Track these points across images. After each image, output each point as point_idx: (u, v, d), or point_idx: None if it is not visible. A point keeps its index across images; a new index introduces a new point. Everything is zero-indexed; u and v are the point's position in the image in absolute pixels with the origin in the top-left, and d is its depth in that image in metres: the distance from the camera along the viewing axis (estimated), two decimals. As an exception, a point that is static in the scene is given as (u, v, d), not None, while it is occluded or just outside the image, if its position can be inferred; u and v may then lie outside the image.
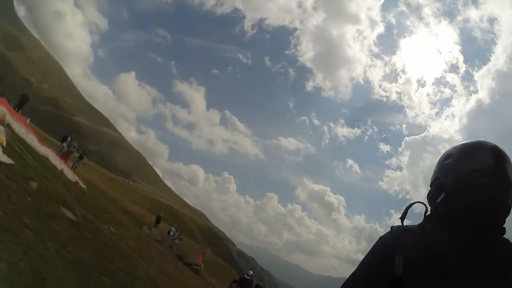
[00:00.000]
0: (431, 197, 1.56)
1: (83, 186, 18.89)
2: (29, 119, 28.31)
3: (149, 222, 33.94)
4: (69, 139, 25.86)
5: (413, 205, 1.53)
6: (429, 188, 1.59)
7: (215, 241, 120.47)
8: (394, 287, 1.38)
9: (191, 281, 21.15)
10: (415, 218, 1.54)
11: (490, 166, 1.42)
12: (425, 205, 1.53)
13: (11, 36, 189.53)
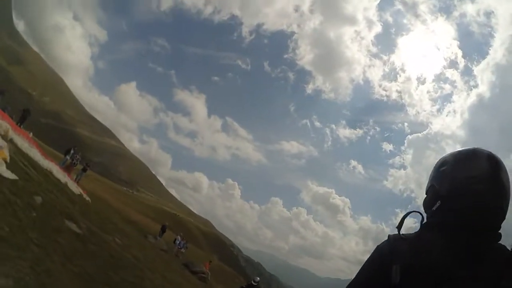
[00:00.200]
0: (427, 204, 1.57)
1: (87, 198, 18.94)
2: (31, 133, 28.46)
3: (154, 231, 33.93)
4: (72, 151, 25.91)
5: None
6: (425, 195, 1.60)
7: (221, 248, 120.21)
8: None
9: (198, 289, 21.06)
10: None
11: (485, 174, 1.43)
12: (421, 213, 1.55)
13: (11, 50, 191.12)
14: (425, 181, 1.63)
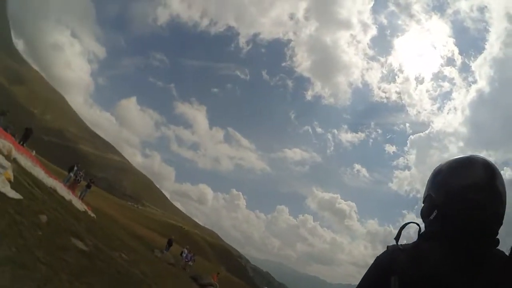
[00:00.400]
0: (424, 214, 1.57)
1: (92, 214, 18.94)
2: (34, 151, 28.67)
3: (161, 245, 33.79)
4: (75, 168, 25.97)
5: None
6: (422, 205, 1.61)
7: (228, 259, 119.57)
8: None
9: (207, 302, 20.89)
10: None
11: (481, 181, 1.44)
12: (418, 224, 1.56)
13: (11, 69, 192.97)
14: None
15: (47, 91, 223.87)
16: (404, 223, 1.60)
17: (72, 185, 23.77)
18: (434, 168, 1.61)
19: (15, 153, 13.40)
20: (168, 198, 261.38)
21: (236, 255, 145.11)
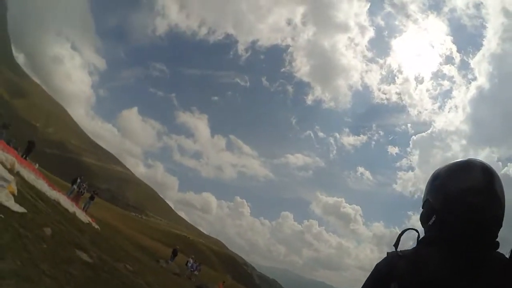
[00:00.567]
0: (423, 219, 1.57)
1: (96, 226, 18.94)
2: (37, 164, 28.78)
3: (166, 255, 33.68)
4: (78, 180, 26.03)
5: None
6: (421, 210, 1.60)
7: (234, 267, 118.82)
8: None
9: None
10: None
11: (479, 185, 1.44)
12: (416, 230, 1.55)
13: (13, 83, 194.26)
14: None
15: (49, 103, 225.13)
16: (403, 229, 1.58)
17: (75, 197, 23.82)
18: (433, 173, 1.61)
19: (18, 167, 13.46)
20: (172, 207, 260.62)
21: (241, 263, 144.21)
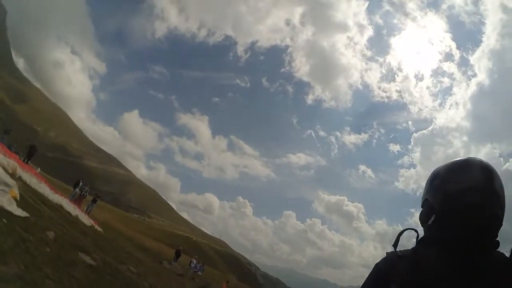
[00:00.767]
0: (422, 219, 1.56)
1: (99, 229, 18.97)
2: (39, 168, 28.78)
3: (169, 256, 33.73)
4: (80, 183, 26.08)
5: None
6: (421, 209, 1.59)
7: (238, 267, 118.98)
8: None
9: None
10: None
11: (478, 184, 1.43)
12: (415, 231, 1.54)
13: (13, 88, 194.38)
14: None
15: (50, 108, 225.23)
16: (402, 229, 1.58)
17: (78, 201, 23.86)
18: (432, 172, 1.59)
19: (20, 171, 13.50)
20: (175, 209, 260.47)
21: (245, 262, 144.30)
